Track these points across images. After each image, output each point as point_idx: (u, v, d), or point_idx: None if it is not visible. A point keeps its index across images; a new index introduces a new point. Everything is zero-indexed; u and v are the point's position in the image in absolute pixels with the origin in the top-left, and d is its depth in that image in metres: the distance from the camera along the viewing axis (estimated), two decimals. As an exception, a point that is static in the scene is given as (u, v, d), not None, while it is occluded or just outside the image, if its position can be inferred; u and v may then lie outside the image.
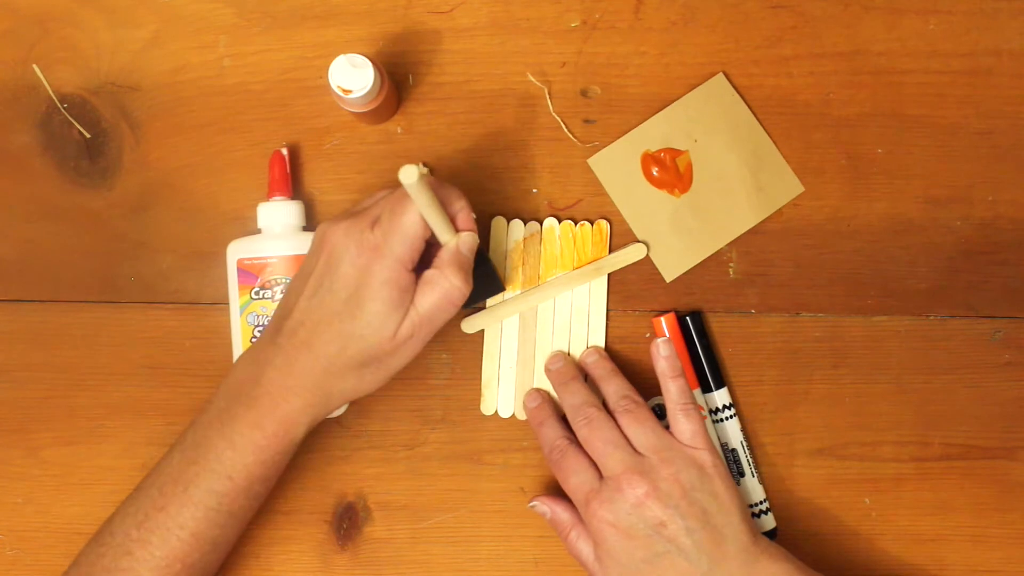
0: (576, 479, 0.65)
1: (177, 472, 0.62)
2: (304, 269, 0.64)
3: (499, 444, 0.72)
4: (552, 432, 0.68)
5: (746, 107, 0.72)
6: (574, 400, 0.67)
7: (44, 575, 0.72)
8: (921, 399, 0.72)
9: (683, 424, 0.66)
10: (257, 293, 0.69)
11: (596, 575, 0.66)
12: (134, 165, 0.73)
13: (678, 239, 0.72)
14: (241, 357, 0.65)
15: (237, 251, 0.70)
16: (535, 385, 0.72)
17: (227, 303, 0.71)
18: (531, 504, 0.70)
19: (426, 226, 0.61)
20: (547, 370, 0.71)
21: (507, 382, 0.72)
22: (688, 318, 0.71)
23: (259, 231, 0.71)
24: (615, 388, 0.68)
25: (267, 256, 0.69)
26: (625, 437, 0.65)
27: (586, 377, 0.71)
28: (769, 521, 0.71)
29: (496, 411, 0.72)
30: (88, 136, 0.73)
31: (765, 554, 0.64)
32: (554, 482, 0.72)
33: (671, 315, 0.71)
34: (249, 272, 0.70)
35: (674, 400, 0.66)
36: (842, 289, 0.72)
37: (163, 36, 0.73)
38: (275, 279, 0.69)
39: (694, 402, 0.67)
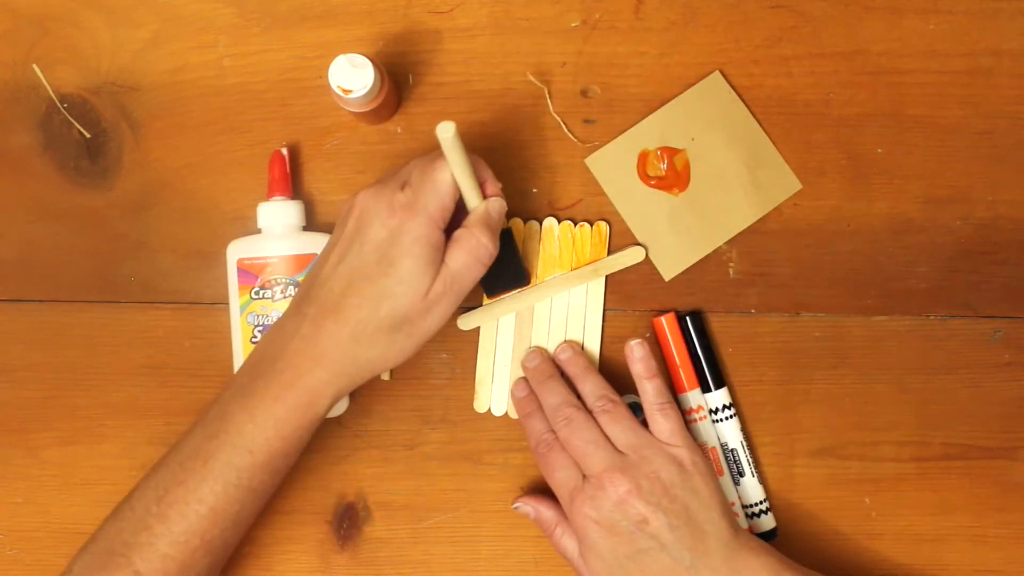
0: (560, 474, 0.66)
1: (197, 446, 0.61)
2: (332, 238, 0.64)
3: (499, 444, 0.72)
4: (539, 425, 0.68)
5: (743, 105, 0.72)
6: (553, 400, 0.68)
7: (44, 575, 0.73)
8: (921, 399, 0.72)
9: (661, 423, 0.66)
10: (257, 293, 0.69)
11: (581, 571, 0.66)
12: (134, 165, 0.73)
13: (676, 238, 0.72)
14: (268, 330, 0.64)
15: (237, 251, 0.70)
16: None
17: (227, 303, 0.71)
18: (515, 505, 0.70)
19: (456, 187, 0.61)
20: (524, 367, 0.71)
21: (501, 380, 0.72)
22: (688, 318, 0.71)
23: (259, 231, 0.71)
24: (592, 387, 0.68)
25: (267, 256, 0.69)
26: (605, 436, 0.66)
27: (562, 372, 0.71)
28: (769, 521, 0.71)
29: (489, 409, 0.72)
30: (88, 136, 0.73)
31: (746, 548, 0.64)
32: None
33: (671, 315, 0.71)
34: (249, 272, 0.70)
35: (651, 400, 0.67)
36: (842, 289, 0.72)
37: (163, 36, 0.73)
38: (275, 279, 0.69)
39: (671, 401, 0.67)
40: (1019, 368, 0.72)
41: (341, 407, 0.72)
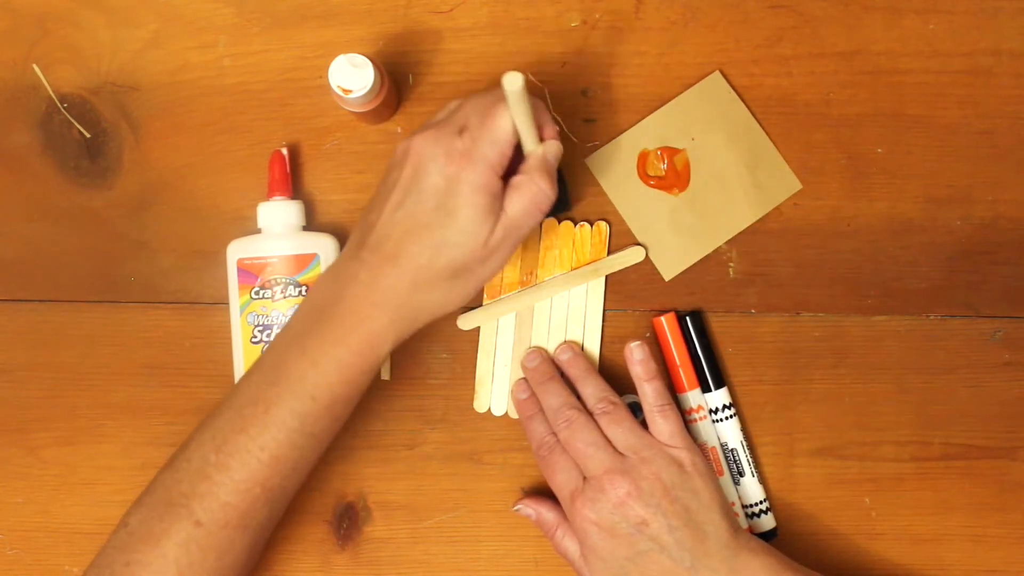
0: (562, 476, 0.66)
1: (256, 394, 0.61)
2: (386, 182, 0.63)
3: (499, 444, 0.72)
4: (540, 427, 0.68)
5: (743, 105, 0.72)
6: (553, 402, 0.68)
7: (44, 575, 0.73)
8: (921, 399, 0.72)
9: (661, 425, 0.66)
10: (257, 293, 0.69)
11: (582, 573, 0.66)
12: (134, 165, 0.73)
13: (676, 237, 0.72)
14: (321, 276, 0.64)
15: (237, 251, 0.70)
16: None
17: (227, 303, 0.71)
18: (515, 507, 0.70)
19: (515, 133, 0.60)
20: (524, 367, 0.71)
21: (501, 380, 0.72)
22: (688, 318, 0.71)
23: (259, 231, 0.71)
24: (592, 389, 0.68)
25: (267, 256, 0.69)
26: (606, 438, 0.66)
27: (562, 373, 0.71)
28: (769, 521, 0.71)
29: (489, 409, 0.72)
30: (88, 136, 0.73)
31: (746, 549, 0.64)
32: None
33: (671, 315, 0.71)
34: (249, 272, 0.70)
35: (651, 402, 0.67)
36: (842, 289, 0.72)
37: (163, 36, 0.73)
38: (275, 279, 0.69)
39: (671, 402, 0.67)
40: (1019, 368, 0.72)
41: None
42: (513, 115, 0.59)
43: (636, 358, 0.68)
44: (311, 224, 0.72)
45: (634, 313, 0.72)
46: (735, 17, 0.72)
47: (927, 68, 0.72)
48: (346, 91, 0.65)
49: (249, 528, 0.61)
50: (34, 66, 0.73)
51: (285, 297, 0.69)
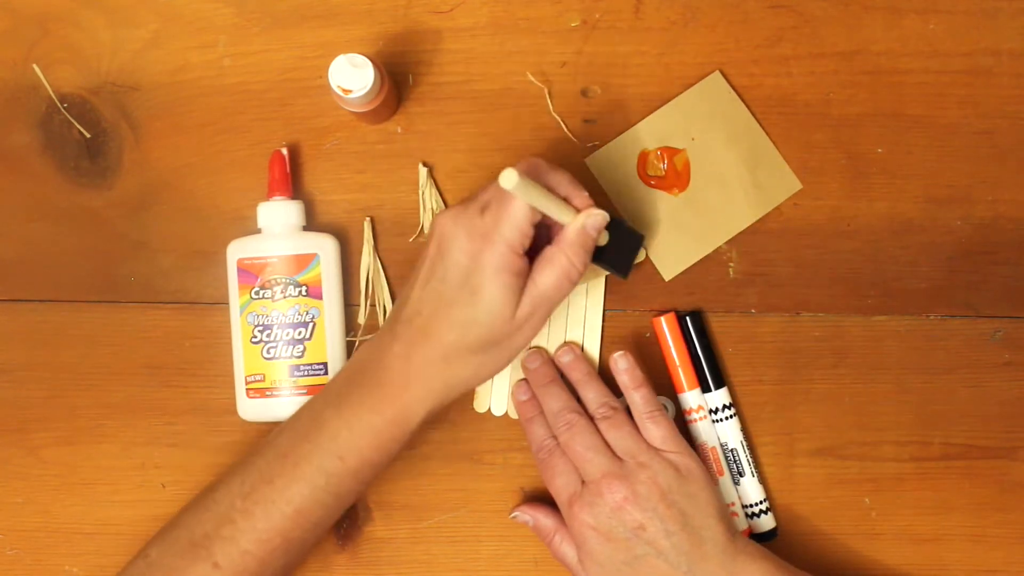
0: (560, 480, 0.66)
1: (288, 447, 0.62)
2: (420, 259, 0.64)
3: (499, 444, 0.72)
4: (541, 430, 0.68)
5: (743, 105, 0.72)
6: (554, 405, 0.68)
7: (44, 575, 0.73)
8: (921, 399, 0.72)
9: (653, 430, 0.66)
10: (257, 293, 0.69)
11: None
12: (134, 165, 0.73)
13: (676, 237, 0.72)
14: (364, 344, 0.65)
15: (237, 251, 0.70)
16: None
17: (227, 303, 0.71)
18: (513, 514, 0.70)
19: (535, 212, 0.60)
20: (524, 368, 0.71)
21: (501, 381, 0.72)
22: (688, 318, 0.71)
23: (259, 231, 0.71)
24: (593, 394, 0.68)
25: (267, 256, 0.69)
26: (605, 442, 0.66)
27: (562, 374, 0.71)
28: (769, 521, 0.71)
29: (489, 409, 0.72)
30: (88, 136, 0.73)
31: (743, 553, 0.64)
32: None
33: (671, 315, 0.71)
34: (249, 272, 0.70)
35: (640, 409, 0.67)
36: (842, 289, 0.72)
37: (163, 36, 0.73)
38: (275, 279, 0.69)
39: (660, 408, 0.67)
40: (1019, 368, 0.72)
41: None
42: (528, 202, 0.59)
43: (621, 367, 0.68)
44: (311, 224, 0.72)
45: (634, 313, 0.72)
46: (735, 17, 0.72)
47: (927, 68, 0.72)
48: (346, 91, 0.65)
49: None
50: (34, 66, 0.73)
51: (285, 297, 0.69)
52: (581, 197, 0.63)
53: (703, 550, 0.64)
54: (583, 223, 0.62)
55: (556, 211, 0.61)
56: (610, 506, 0.64)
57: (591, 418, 0.67)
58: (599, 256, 0.65)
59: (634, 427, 0.66)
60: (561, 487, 0.66)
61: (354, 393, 0.62)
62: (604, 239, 0.65)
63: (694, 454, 0.66)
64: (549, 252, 0.62)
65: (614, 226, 0.66)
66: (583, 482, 0.65)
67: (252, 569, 0.61)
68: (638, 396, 0.67)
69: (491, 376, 0.64)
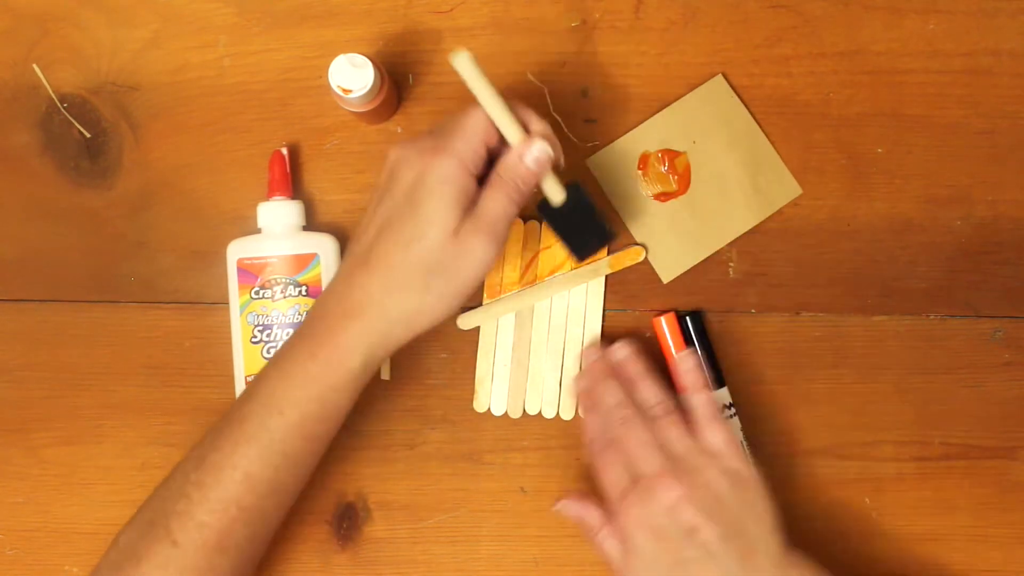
0: (613, 474, 0.64)
1: (234, 412, 0.61)
2: (372, 190, 0.62)
3: (499, 443, 0.72)
4: (597, 422, 0.67)
5: (745, 109, 0.72)
6: (610, 399, 0.67)
7: (44, 575, 0.73)
8: (921, 399, 0.72)
9: (714, 435, 0.65)
10: (257, 293, 0.69)
11: (622, 575, 0.64)
12: (134, 165, 0.73)
13: (676, 240, 0.72)
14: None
15: (237, 251, 0.70)
16: (528, 384, 0.72)
17: (227, 303, 0.71)
18: (557, 507, 0.69)
19: (491, 128, 0.59)
20: (584, 360, 0.70)
21: (500, 380, 0.72)
22: (688, 318, 0.71)
23: (259, 231, 0.71)
24: (649, 393, 0.67)
25: (267, 256, 0.69)
26: (660, 441, 0.64)
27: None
28: (769, 521, 0.71)
29: (488, 408, 0.72)
30: (88, 136, 0.73)
31: (796, 568, 0.63)
32: (552, 483, 0.72)
33: (671, 315, 0.71)
34: (249, 272, 0.70)
35: (702, 412, 0.66)
36: (842, 289, 0.72)
37: (163, 36, 0.73)
38: (275, 279, 0.69)
39: (722, 412, 0.66)
40: (1019, 368, 0.72)
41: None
42: (479, 99, 0.58)
43: (685, 368, 0.67)
44: (311, 224, 0.72)
45: (634, 313, 0.72)
46: (735, 17, 0.72)
47: (927, 68, 0.72)
48: (346, 91, 0.65)
49: (228, 551, 0.60)
50: (34, 66, 0.73)
51: (285, 297, 0.69)
52: (538, 123, 0.61)
53: (755, 561, 0.61)
54: (526, 147, 0.60)
55: (505, 123, 0.59)
56: (664, 504, 0.62)
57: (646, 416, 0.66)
58: (553, 219, 0.64)
59: (689, 428, 0.65)
60: (614, 481, 0.64)
61: (295, 342, 0.60)
62: (558, 198, 0.63)
63: (752, 463, 0.64)
64: (490, 176, 0.60)
65: (573, 192, 0.64)
66: (636, 479, 0.63)
67: (212, 543, 0.59)
68: (702, 398, 0.66)
69: (437, 313, 0.59)
